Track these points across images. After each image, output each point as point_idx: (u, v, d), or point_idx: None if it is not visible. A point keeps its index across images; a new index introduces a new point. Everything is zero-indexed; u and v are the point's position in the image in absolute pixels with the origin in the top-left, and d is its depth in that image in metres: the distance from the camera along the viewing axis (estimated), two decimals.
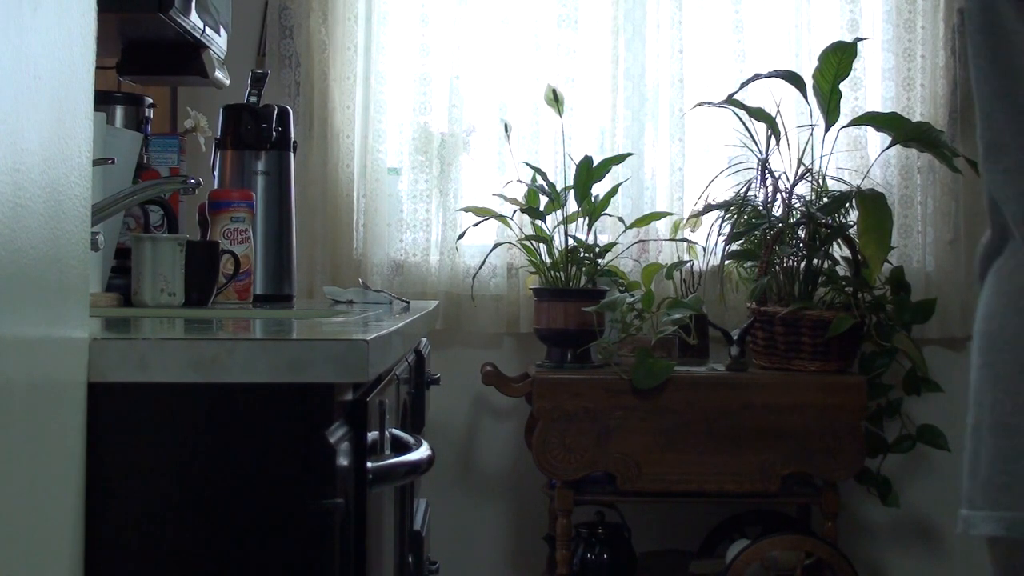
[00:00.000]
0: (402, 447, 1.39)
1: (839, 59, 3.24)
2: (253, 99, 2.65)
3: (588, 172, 3.34)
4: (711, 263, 3.43)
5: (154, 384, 1.04)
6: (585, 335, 3.30)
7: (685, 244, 3.48)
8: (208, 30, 2.30)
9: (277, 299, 2.59)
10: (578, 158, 3.36)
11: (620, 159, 3.38)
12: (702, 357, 3.33)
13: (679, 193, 3.60)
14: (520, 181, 3.48)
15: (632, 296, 3.26)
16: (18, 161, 0.85)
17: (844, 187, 3.40)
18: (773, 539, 3.20)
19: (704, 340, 3.35)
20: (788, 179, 3.37)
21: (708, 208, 3.38)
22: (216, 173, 2.64)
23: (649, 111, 3.60)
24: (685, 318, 3.20)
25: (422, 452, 1.36)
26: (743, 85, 3.34)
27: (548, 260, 3.40)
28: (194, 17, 2.17)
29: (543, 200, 3.41)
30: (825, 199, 3.36)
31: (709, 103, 3.38)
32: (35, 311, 0.90)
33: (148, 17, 2.06)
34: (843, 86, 3.28)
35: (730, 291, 3.45)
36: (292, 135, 2.69)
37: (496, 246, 3.52)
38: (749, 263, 3.44)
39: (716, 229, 3.37)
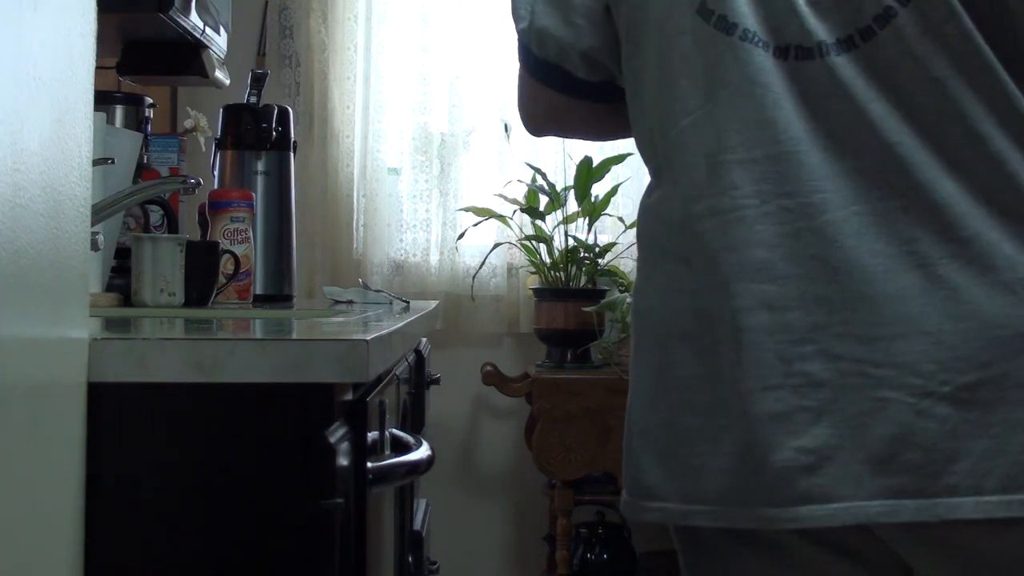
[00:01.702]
0: (402, 447, 1.39)
1: None
2: (253, 99, 2.65)
3: (588, 172, 3.34)
4: None
5: (154, 384, 1.04)
6: (585, 335, 3.30)
7: None
8: (208, 30, 2.30)
9: (277, 299, 2.59)
10: (578, 158, 3.36)
11: (620, 159, 3.38)
12: None
13: None
14: (520, 181, 3.48)
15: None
16: (18, 161, 0.85)
17: None
18: None
19: None
20: None
21: None
22: (216, 173, 2.64)
23: None
24: None
25: (422, 452, 1.36)
26: None
27: (548, 260, 3.40)
28: (194, 17, 2.17)
29: (543, 200, 3.41)
30: None
31: None
32: (35, 311, 0.90)
33: (148, 17, 2.06)
34: None
35: None
36: (292, 135, 2.69)
37: (496, 246, 3.52)
38: None
39: None
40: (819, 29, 1.25)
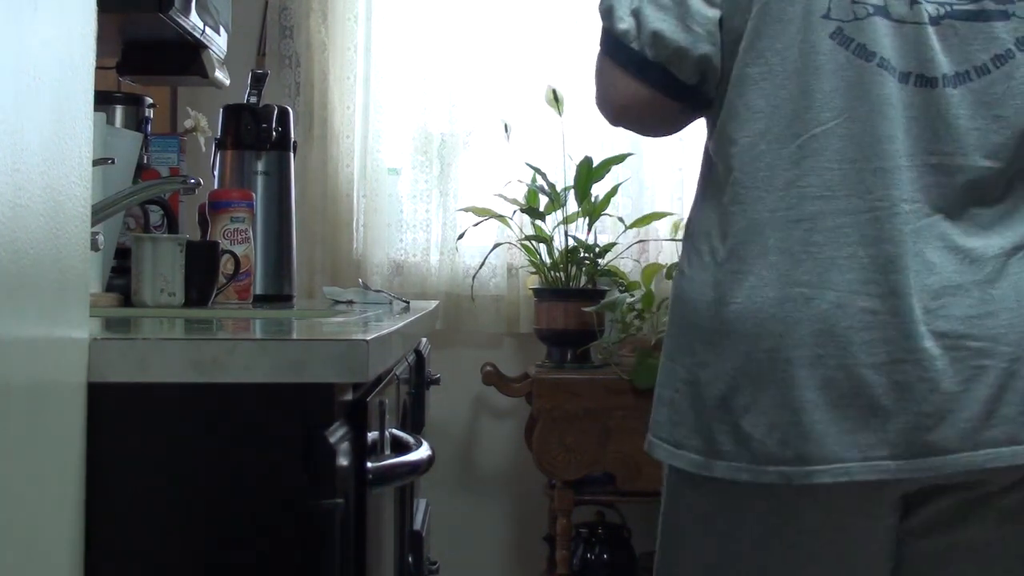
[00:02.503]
0: (402, 447, 1.39)
1: None
2: (253, 99, 2.65)
3: (588, 172, 3.34)
4: None
5: (154, 384, 1.04)
6: (585, 335, 3.30)
7: None
8: (208, 30, 2.30)
9: (277, 299, 2.59)
10: (578, 158, 3.36)
11: (620, 159, 3.38)
12: None
13: (679, 193, 3.60)
14: (520, 181, 3.48)
15: (632, 296, 3.26)
16: (18, 161, 0.85)
17: None
18: None
19: None
20: None
21: None
22: (216, 173, 2.64)
23: None
24: None
25: (422, 452, 1.36)
26: None
27: (548, 260, 3.40)
28: (194, 17, 2.17)
29: (543, 200, 3.41)
30: None
31: None
32: (35, 311, 0.90)
33: (148, 17, 2.06)
34: None
35: None
36: (292, 135, 2.69)
37: (496, 246, 3.52)
38: None
39: None
40: (944, 62, 1.48)
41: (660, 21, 1.51)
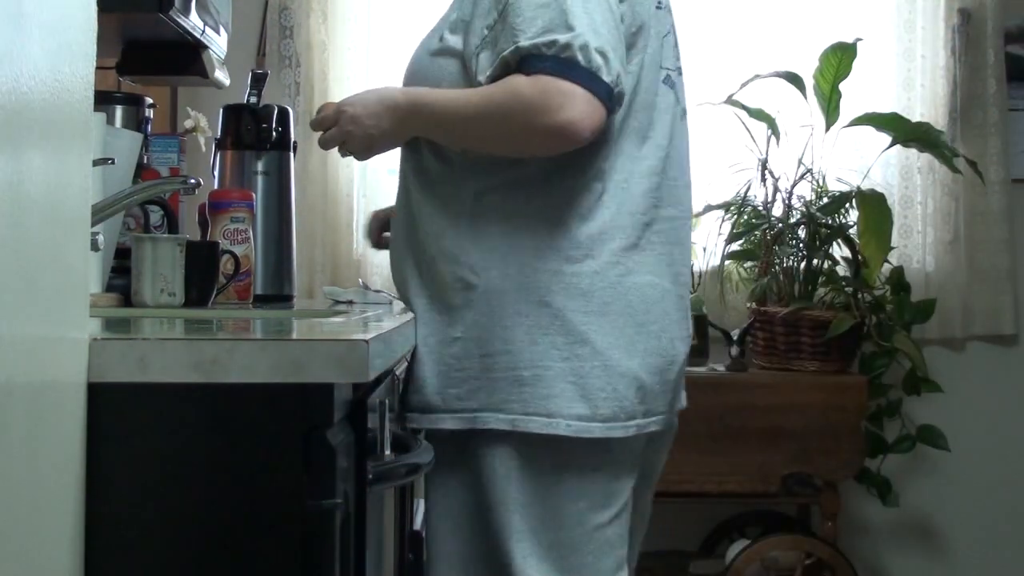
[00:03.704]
0: (402, 447, 1.39)
1: (839, 59, 3.25)
2: (253, 99, 2.65)
3: None
4: (711, 263, 3.43)
5: (154, 384, 1.04)
6: None
7: None
8: (208, 30, 2.30)
9: (277, 299, 2.59)
10: None
11: None
12: (702, 357, 3.33)
13: None
14: None
15: None
16: (18, 161, 0.85)
17: (844, 187, 3.41)
18: (773, 539, 3.20)
19: (704, 340, 3.35)
20: (788, 179, 3.37)
21: (708, 208, 3.39)
22: (216, 173, 2.64)
23: None
24: None
25: (422, 452, 1.36)
26: (743, 85, 3.35)
27: None
28: (194, 17, 2.17)
29: None
30: (825, 199, 3.36)
31: (709, 103, 3.38)
32: (35, 311, 0.90)
33: (148, 17, 2.06)
34: (843, 86, 3.28)
35: (730, 291, 3.45)
36: (292, 135, 2.69)
37: None
38: (749, 263, 3.44)
39: (716, 229, 3.37)
40: (683, 98, 1.96)
41: (618, 62, 1.74)
